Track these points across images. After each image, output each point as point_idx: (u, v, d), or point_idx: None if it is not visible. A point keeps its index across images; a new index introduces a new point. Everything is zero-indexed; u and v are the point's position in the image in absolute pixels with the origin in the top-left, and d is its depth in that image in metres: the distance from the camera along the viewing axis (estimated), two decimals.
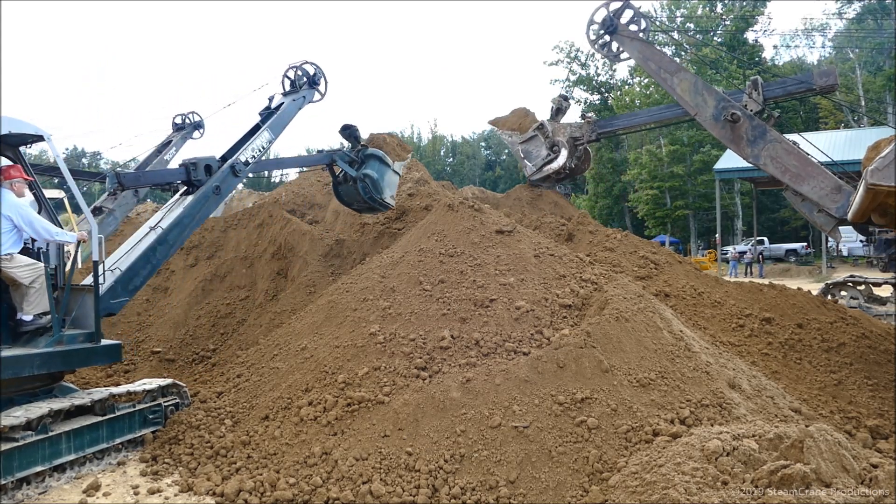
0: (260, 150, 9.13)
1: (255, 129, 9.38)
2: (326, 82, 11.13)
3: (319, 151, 11.58)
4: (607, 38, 12.08)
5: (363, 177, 10.79)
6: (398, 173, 11.95)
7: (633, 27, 11.94)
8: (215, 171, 8.23)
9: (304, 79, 10.74)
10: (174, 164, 12.18)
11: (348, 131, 11.39)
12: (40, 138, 6.00)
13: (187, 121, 14.25)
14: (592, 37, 12.23)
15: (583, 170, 16.54)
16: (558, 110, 15.66)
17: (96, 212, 11.50)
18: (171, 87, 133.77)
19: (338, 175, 11.42)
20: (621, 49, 12.01)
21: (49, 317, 5.85)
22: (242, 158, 8.71)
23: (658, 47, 11.98)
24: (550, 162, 15.11)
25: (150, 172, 10.53)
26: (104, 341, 6.25)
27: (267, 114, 9.83)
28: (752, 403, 5.92)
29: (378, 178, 10.96)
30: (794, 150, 9.66)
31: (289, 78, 10.73)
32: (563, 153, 14.93)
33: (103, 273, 6.30)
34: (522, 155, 15.79)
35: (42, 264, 5.84)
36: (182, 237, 7.78)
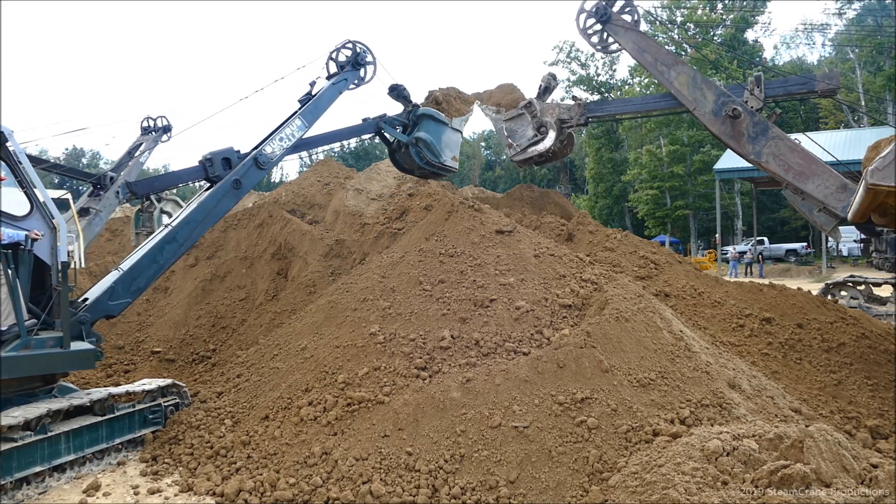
0: (289, 140, 8.66)
1: (291, 118, 9.00)
2: (374, 59, 10.37)
3: (364, 119, 10.45)
4: (598, 27, 11.40)
5: (416, 141, 10.16)
6: (458, 130, 11.10)
7: (627, 17, 11.25)
8: (235, 164, 7.82)
9: (356, 56, 10.13)
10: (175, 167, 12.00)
11: (396, 91, 10.70)
12: (2, 135, 5.77)
13: (157, 124, 14.14)
14: (582, 25, 11.57)
15: (565, 154, 15.64)
16: (546, 89, 14.66)
17: (84, 212, 11.46)
18: (147, 86, 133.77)
19: (392, 142, 10.71)
20: (614, 40, 11.34)
21: (30, 321, 5.62)
22: (268, 150, 8.24)
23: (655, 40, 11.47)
24: (537, 143, 14.17)
25: (163, 176, 10.29)
26: (76, 346, 5.94)
27: (306, 100, 9.36)
28: (752, 403, 5.92)
29: (433, 140, 10.30)
30: (798, 148, 9.38)
31: (333, 60, 10.13)
32: (551, 135, 14.02)
33: (75, 275, 5.96)
34: (507, 133, 14.79)
35: (8, 272, 5.52)
36: (193, 236, 7.42)
